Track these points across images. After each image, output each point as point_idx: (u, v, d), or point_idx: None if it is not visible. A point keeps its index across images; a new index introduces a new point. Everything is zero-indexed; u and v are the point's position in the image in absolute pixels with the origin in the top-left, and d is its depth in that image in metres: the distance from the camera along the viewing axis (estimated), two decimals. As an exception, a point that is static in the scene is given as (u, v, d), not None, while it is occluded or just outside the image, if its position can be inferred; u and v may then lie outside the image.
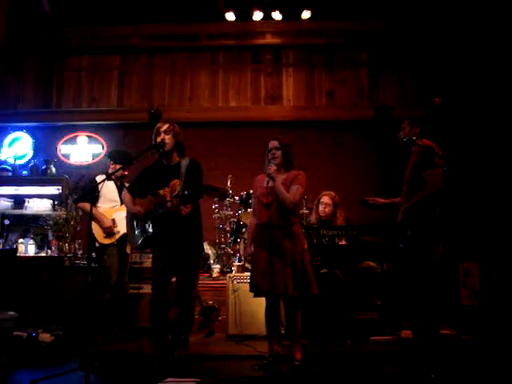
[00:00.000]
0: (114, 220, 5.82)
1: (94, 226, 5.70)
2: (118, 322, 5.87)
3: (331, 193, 6.27)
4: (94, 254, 5.73)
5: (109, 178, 5.49)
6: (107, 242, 5.77)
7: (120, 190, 5.91)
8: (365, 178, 8.49)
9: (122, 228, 5.78)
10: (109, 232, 5.75)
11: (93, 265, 5.67)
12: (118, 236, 5.80)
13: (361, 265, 5.92)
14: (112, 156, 6.09)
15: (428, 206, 4.55)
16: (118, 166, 5.84)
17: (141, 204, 4.61)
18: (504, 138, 7.18)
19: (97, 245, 5.76)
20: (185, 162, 4.57)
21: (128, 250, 5.99)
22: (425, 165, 4.53)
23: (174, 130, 4.58)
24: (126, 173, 5.88)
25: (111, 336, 5.71)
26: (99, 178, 5.76)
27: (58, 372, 4.29)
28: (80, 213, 6.95)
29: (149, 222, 4.56)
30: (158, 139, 4.53)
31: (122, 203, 5.87)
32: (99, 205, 5.85)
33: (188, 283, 4.55)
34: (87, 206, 5.62)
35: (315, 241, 5.42)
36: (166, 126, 4.56)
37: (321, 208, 6.20)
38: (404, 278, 4.66)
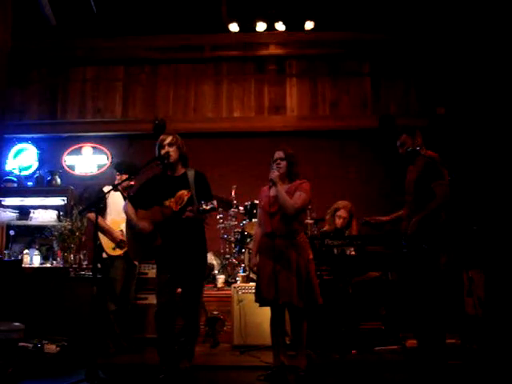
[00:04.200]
0: (122, 231, 5.79)
1: (103, 238, 5.73)
2: (123, 332, 5.87)
3: (347, 205, 6.28)
4: (99, 265, 5.73)
5: (115, 188, 5.50)
6: (115, 253, 5.77)
7: None
8: (369, 188, 8.49)
9: None
10: (121, 245, 5.76)
11: (98, 276, 5.67)
12: (126, 248, 5.79)
13: (366, 275, 5.92)
14: (118, 167, 6.11)
15: (434, 216, 4.55)
16: (124, 177, 5.83)
17: (143, 216, 4.54)
18: (508, 146, 7.18)
19: (104, 255, 5.77)
20: (191, 173, 4.58)
21: (136, 262, 6.00)
22: (433, 176, 4.53)
23: (178, 143, 4.59)
24: (133, 183, 5.88)
25: (117, 347, 5.72)
26: (106, 189, 5.78)
27: (64, 383, 4.30)
28: (85, 223, 6.97)
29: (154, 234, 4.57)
30: (162, 152, 4.52)
31: None
32: (107, 216, 5.87)
33: (194, 294, 4.55)
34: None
35: (318, 249, 5.43)
36: (169, 139, 4.57)
37: (338, 221, 6.24)
38: (410, 288, 4.66)
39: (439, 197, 4.49)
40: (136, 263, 6.01)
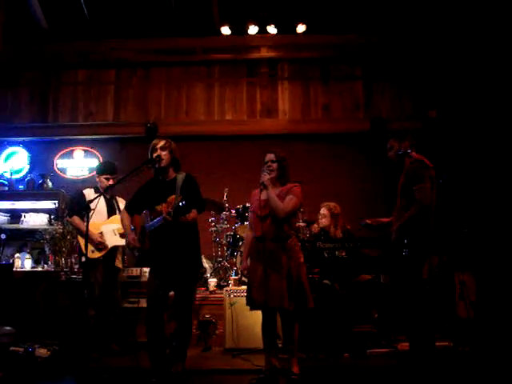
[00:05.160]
0: (101, 233, 5.73)
1: (82, 241, 5.63)
2: (114, 336, 5.84)
3: (330, 204, 6.29)
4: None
5: (100, 194, 5.37)
6: (95, 256, 5.67)
7: (109, 202, 5.89)
8: (361, 191, 8.51)
9: (109, 242, 5.72)
10: (99, 247, 5.70)
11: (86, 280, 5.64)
12: (105, 251, 5.73)
13: (358, 278, 5.92)
14: (97, 169, 6.04)
15: (421, 219, 4.54)
16: (102, 177, 5.81)
17: (138, 221, 4.66)
18: (499, 149, 7.21)
19: (83, 259, 5.67)
20: (181, 177, 4.58)
21: (119, 265, 5.95)
22: (414, 179, 4.52)
23: (171, 147, 4.58)
24: (111, 182, 5.76)
25: (107, 351, 5.67)
26: (87, 192, 5.75)
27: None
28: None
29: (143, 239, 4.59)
30: (154, 155, 4.52)
31: (109, 216, 5.85)
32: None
33: (187, 298, 4.53)
34: (76, 219, 5.69)
35: (310, 251, 5.43)
36: (162, 143, 4.57)
37: (320, 220, 6.26)
38: (400, 291, 4.66)
39: (418, 201, 4.47)
40: (120, 267, 5.98)
